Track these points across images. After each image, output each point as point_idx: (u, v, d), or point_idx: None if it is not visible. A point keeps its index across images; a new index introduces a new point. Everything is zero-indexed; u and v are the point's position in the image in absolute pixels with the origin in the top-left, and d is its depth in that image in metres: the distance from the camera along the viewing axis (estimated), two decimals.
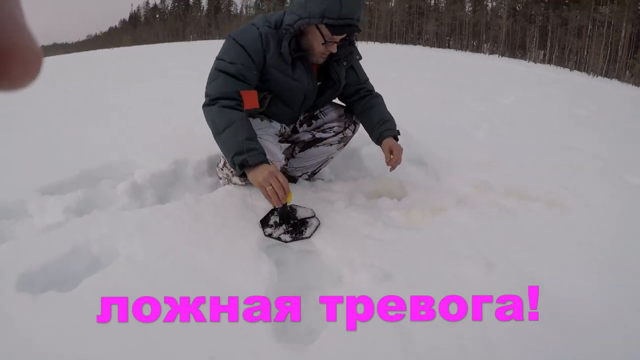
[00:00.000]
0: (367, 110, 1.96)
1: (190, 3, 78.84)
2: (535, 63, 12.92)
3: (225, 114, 1.56)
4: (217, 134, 1.57)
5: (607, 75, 11.48)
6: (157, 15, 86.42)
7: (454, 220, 1.71)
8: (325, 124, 2.01)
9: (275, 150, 1.76)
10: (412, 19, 42.43)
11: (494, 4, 37.00)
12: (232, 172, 1.82)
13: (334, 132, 2.01)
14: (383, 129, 1.88)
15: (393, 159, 1.80)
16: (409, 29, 42.35)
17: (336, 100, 2.05)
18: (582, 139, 3.48)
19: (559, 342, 1.15)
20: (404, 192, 1.98)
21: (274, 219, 1.57)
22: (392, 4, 48.26)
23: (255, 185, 1.48)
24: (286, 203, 1.50)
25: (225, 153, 1.55)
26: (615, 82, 10.64)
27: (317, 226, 1.55)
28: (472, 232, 1.63)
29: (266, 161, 1.50)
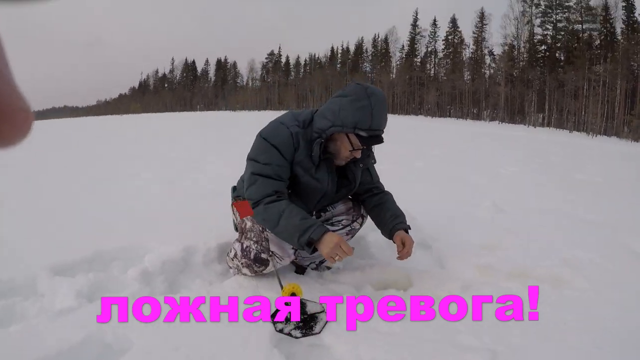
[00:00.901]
0: (379, 205, 2.08)
1: (198, 74, 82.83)
2: (535, 127, 13.28)
3: (273, 208, 1.72)
4: (274, 227, 1.73)
5: (605, 133, 11.72)
6: (166, 85, 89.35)
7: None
8: (334, 216, 2.13)
9: (285, 246, 1.88)
10: (412, 89, 44.31)
11: (492, 71, 38.78)
12: (242, 263, 1.92)
13: (342, 225, 2.13)
14: (395, 222, 1.98)
15: (404, 250, 1.89)
16: (411, 100, 43.99)
17: None
18: (584, 205, 3.58)
19: None
20: (410, 283, 2.07)
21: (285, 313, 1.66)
22: (393, 76, 50.67)
23: (326, 257, 1.66)
24: (295, 294, 1.61)
25: (290, 240, 1.72)
26: (614, 140, 10.84)
27: (327, 322, 1.63)
28: (477, 321, 1.69)
29: (328, 230, 1.68)
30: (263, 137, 1.81)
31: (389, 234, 1.99)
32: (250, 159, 1.83)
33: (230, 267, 2.06)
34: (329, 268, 2.31)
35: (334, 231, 2.13)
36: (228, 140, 8.64)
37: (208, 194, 3.60)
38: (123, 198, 3.50)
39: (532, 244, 2.55)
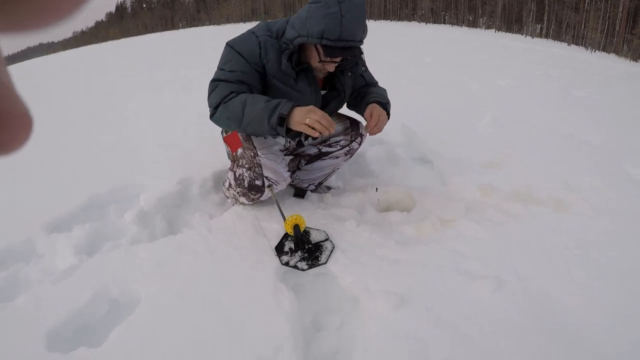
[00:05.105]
0: (363, 93, 1.93)
1: None
2: (533, 38, 12.77)
3: (234, 102, 1.58)
4: (240, 122, 1.56)
5: (604, 49, 11.36)
6: (144, 5, 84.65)
7: (463, 232, 1.74)
8: (331, 137, 2.01)
9: (280, 169, 1.77)
10: None
11: None
12: (237, 192, 1.83)
13: (340, 145, 2.01)
14: (370, 97, 1.83)
15: (372, 122, 1.71)
16: (404, 5, 41.63)
17: (342, 111, 2.05)
18: (583, 125, 3.50)
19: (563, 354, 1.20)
20: (413, 202, 2.01)
21: (289, 245, 1.60)
22: None
23: (298, 129, 1.48)
24: (299, 229, 1.54)
25: (261, 128, 1.53)
26: (612, 57, 10.54)
27: (332, 250, 1.58)
28: (481, 246, 1.66)
29: (297, 105, 1.52)
30: (230, 45, 1.69)
31: (363, 110, 1.82)
32: (218, 68, 1.70)
33: (228, 197, 1.98)
34: (329, 189, 2.23)
35: (331, 152, 2.04)
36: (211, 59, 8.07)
37: (196, 122, 3.37)
38: (110, 134, 3.25)
39: (533, 165, 2.49)
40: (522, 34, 13.72)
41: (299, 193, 2.17)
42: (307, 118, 1.45)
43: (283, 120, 1.48)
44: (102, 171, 2.37)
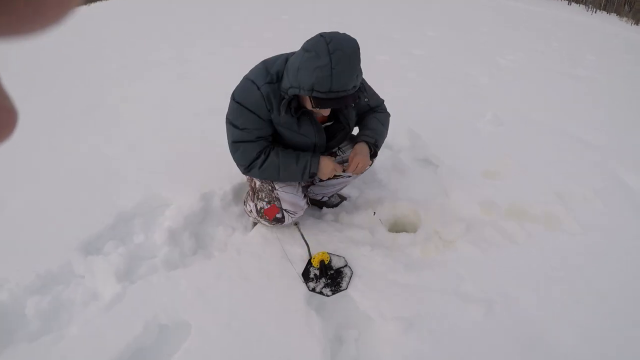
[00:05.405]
0: (362, 125, 2.02)
1: None
2: None
3: (269, 167, 1.79)
4: (277, 179, 1.86)
5: (605, 8, 11.20)
6: None
7: (462, 254, 2.00)
8: (343, 161, 2.13)
9: (297, 201, 1.96)
10: None
11: None
12: (260, 218, 1.99)
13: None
14: (362, 134, 1.94)
15: (349, 169, 1.87)
16: None
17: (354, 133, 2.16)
18: (583, 120, 3.64)
19: None
20: (418, 219, 2.24)
21: (313, 271, 1.85)
22: None
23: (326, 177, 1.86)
24: (324, 260, 1.78)
25: (295, 181, 1.89)
26: (613, 18, 10.44)
27: (351, 276, 1.83)
28: (477, 268, 1.93)
29: (319, 157, 1.82)
30: (236, 101, 1.74)
31: (354, 145, 1.96)
32: (228, 121, 1.79)
33: (249, 217, 2.13)
34: (342, 198, 2.43)
35: (344, 174, 2.17)
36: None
37: (205, 112, 3.33)
38: (120, 134, 3.09)
39: (530, 173, 2.70)
40: None
41: (315, 204, 2.38)
42: (333, 173, 1.72)
43: (314, 174, 1.75)
44: (120, 181, 2.45)
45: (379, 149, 1.99)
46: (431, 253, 2.00)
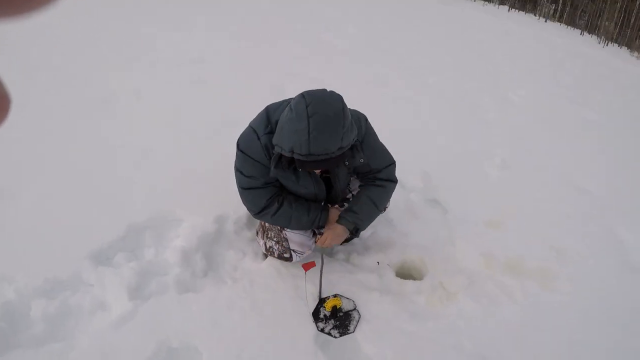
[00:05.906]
0: (358, 192, 2.07)
1: None
2: (546, 21, 12.69)
3: (280, 216, 1.89)
4: (287, 227, 1.98)
5: (617, 41, 11.38)
6: None
7: (463, 308, 2.15)
8: None
9: (305, 241, 2.09)
10: None
11: None
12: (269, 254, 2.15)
13: None
14: (345, 214, 1.97)
15: (319, 240, 1.98)
16: None
17: None
18: (586, 169, 3.77)
19: None
20: (425, 267, 2.39)
21: (323, 311, 1.99)
22: None
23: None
24: (336, 306, 1.92)
25: (305, 229, 2.03)
26: (624, 52, 10.63)
27: (359, 320, 1.98)
28: (475, 324, 2.08)
29: (327, 210, 1.99)
30: (240, 149, 1.79)
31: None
32: (236, 168, 1.86)
33: (261, 243, 2.21)
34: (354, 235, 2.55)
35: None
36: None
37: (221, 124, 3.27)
38: (129, 141, 3.04)
39: (530, 225, 2.85)
40: (535, 14, 13.60)
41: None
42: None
43: (322, 226, 1.92)
44: (131, 190, 2.50)
45: (358, 236, 2.12)
46: (436, 304, 2.15)
